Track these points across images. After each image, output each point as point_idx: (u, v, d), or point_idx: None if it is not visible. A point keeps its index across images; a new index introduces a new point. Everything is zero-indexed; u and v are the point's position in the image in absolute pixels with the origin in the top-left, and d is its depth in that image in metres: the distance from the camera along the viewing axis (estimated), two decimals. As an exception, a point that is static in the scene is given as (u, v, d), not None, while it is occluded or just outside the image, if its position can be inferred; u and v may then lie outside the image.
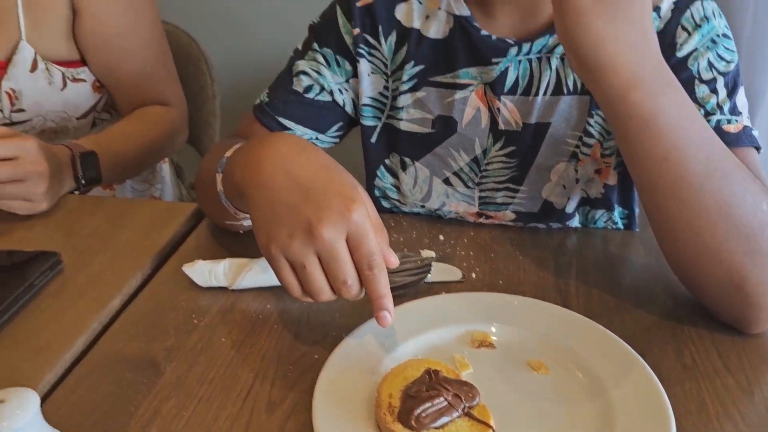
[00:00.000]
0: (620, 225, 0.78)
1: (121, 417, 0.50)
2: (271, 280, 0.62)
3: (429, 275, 0.64)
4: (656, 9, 0.64)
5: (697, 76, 0.63)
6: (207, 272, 0.63)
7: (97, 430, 0.48)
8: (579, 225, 0.77)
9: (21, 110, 0.93)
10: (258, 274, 0.62)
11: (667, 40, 0.63)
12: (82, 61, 0.97)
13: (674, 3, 0.64)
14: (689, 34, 0.64)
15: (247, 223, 0.65)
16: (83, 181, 0.83)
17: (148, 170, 1.09)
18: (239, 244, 0.70)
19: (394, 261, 0.51)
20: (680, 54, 0.64)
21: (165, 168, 1.15)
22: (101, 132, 0.94)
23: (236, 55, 1.51)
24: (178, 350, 0.56)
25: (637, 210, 0.78)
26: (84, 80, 0.97)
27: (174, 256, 0.70)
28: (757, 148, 0.63)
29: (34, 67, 0.92)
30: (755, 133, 0.64)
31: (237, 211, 0.62)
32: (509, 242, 0.73)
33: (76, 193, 0.84)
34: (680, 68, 0.63)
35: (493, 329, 0.57)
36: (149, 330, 0.59)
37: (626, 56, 0.49)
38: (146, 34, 0.98)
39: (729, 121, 0.62)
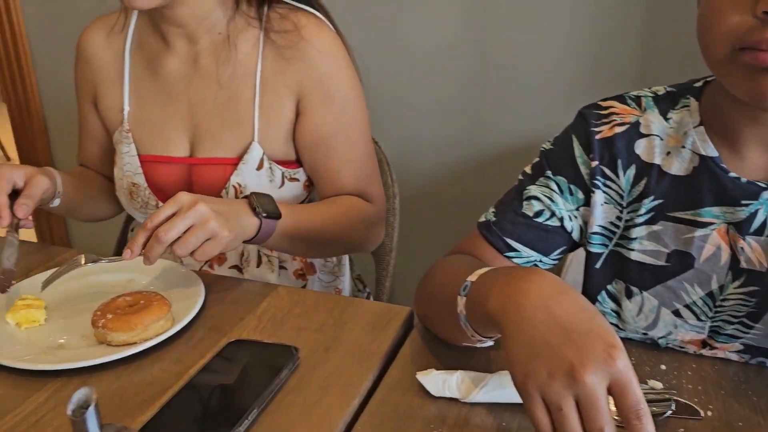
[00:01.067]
0: None
1: None
2: (506, 397, 0.63)
3: (669, 411, 0.62)
4: None
5: None
6: (441, 382, 0.65)
7: None
8: None
9: (242, 203, 1.02)
10: (493, 390, 0.63)
11: None
12: (297, 162, 1.06)
13: None
14: None
15: (481, 345, 0.67)
16: (263, 214, 0.86)
17: (331, 261, 1.15)
18: (453, 353, 0.72)
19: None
20: None
21: (347, 261, 1.20)
22: None
23: (407, 152, 1.59)
24: (423, 461, 0.58)
25: None
26: (297, 180, 1.06)
27: (397, 359, 0.72)
28: None
29: (260, 166, 1.01)
30: None
31: (475, 334, 0.64)
32: (737, 379, 0.70)
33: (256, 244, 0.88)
34: None
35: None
36: (391, 436, 0.61)
37: None
38: (353, 136, 1.05)
39: None
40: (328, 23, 1.04)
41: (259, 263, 1.09)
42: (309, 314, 0.80)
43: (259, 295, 0.85)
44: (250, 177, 1.01)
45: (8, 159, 4.15)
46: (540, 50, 1.46)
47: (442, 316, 0.69)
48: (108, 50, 1.08)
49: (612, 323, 0.79)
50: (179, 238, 0.78)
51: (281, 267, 1.11)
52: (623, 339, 0.77)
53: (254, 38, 1.01)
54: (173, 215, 0.79)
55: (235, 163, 1.01)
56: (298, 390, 0.66)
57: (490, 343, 0.67)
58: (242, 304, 0.83)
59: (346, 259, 1.20)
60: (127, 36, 1.07)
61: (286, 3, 1.03)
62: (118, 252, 1.31)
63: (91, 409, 0.41)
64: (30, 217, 0.91)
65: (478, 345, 0.67)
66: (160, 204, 1.05)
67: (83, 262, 0.84)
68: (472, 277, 0.63)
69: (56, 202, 0.98)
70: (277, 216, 0.89)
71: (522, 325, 0.53)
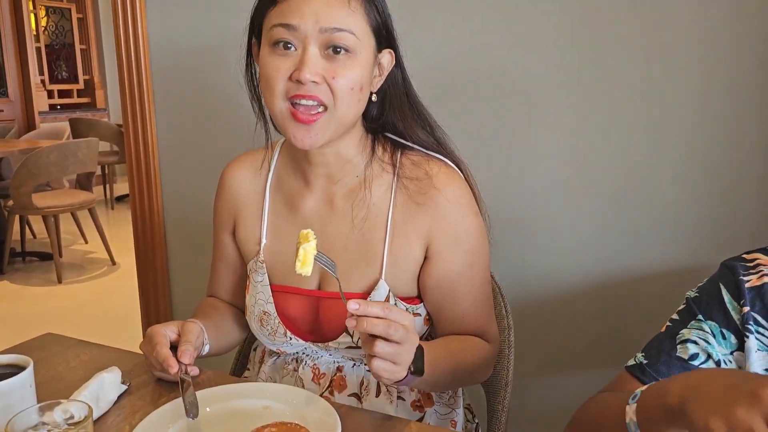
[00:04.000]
0: None
1: None
2: None
3: None
4: None
5: None
6: None
7: None
8: None
9: (368, 345, 1.07)
10: None
11: None
12: (419, 298, 1.11)
13: None
14: None
15: None
16: (411, 369, 0.90)
17: (450, 393, 1.17)
18: None
19: None
20: None
21: (461, 392, 1.21)
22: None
23: (522, 283, 1.61)
24: None
25: None
26: (420, 314, 1.10)
27: None
28: None
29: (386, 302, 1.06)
30: None
31: None
32: None
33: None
34: None
35: None
36: None
37: None
38: (477, 280, 1.10)
39: None
40: (459, 171, 1.11)
41: (378, 393, 1.11)
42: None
43: (393, 430, 0.86)
44: (378, 314, 1.06)
45: (113, 263, 4.44)
46: (651, 192, 1.48)
47: None
48: (250, 186, 1.18)
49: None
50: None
51: (399, 398, 1.13)
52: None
53: (387, 183, 1.09)
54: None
55: (362, 298, 1.07)
56: None
57: None
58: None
59: (460, 390, 1.21)
60: (269, 174, 1.17)
61: (419, 150, 1.11)
62: (236, 368, 1.37)
63: None
64: (196, 367, 0.98)
65: None
66: (289, 333, 1.11)
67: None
68: (642, 388, 0.67)
69: (206, 349, 1.06)
70: (421, 373, 0.93)
71: (701, 389, 0.57)
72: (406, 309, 1.08)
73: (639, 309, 1.52)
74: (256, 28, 1.05)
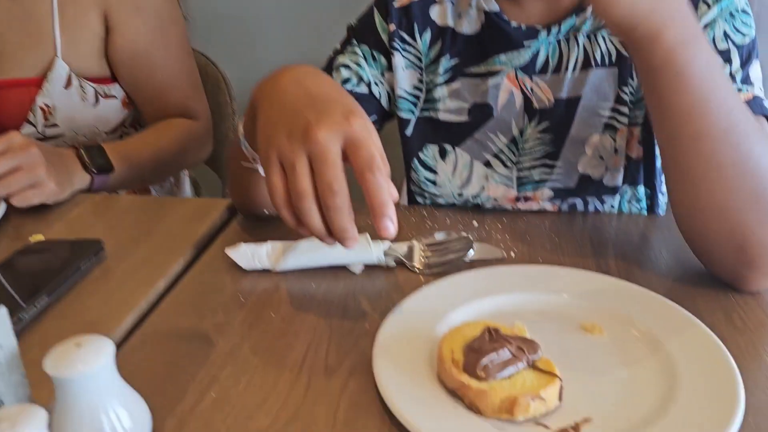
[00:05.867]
0: (644, 204, 0.79)
1: (180, 383, 0.49)
2: (315, 260, 0.63)
3: (471, 251, 0.64)
4: None
5: (712, 44, 0.65)
6: (250, 254, 0.64)
7: (156, 394, 0.47)
8: (616, 204, 0.78)
9: (54, 125, 0.95)
10: (301, 254, 0.63)
11: None
12: (113, 78, 1.00)
13: None
14: (709, 6, 0.67)
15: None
16: (94, 170, 0.85)
17: (169, 180, 1.12)
18: (274, 233, 0.70)
19: (395, 194, 0.49)
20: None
21: (187, 182, 1.16)
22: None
23: (253, 73, 1.56)
24: (228, 325, 0.56)
25: (661, 195, 0.80)
26: (114, 96, 1.00)
27: (213, 245, 0.70)
28: (767, 117, 0.65)
29: (68, 84, 0.94)
30: (766, 104, 0.66)
31: (254, 154, 0.63)
32: (545, 227, 0.73)
33: (103, 192, 0.87)
34: None
35: (543, 297, 0.57)
36: (197, 308, 0.59)
37: (652, 9, 0.51)
38: (172, 50, 1.01)
39: (740, 90, 0.65)
40: None
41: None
42: (123, 216, 0.77)
43: (70, 203, 0.80)
44: (59, 96, 0.94)
45: None
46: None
47: (236, 172, 0.69)
48: None
49: (429, 192, 0.81)
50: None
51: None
52: (442, 206, 0.81)
53: None
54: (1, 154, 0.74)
55: (39, 83, 0.94)
56: (101, 279, 0.63)
57: None
58: (58, 218, 0.78)
59: (185, 179, 1.16)
60: None
61: None
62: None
63: None
64: None
65: (260, 169, 0.64)
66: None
67: None
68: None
69: None
70: (109, 170, 0.86)
71: (273, 98, 0.53)
72: (96, 91, 0.97)
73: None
74: None
